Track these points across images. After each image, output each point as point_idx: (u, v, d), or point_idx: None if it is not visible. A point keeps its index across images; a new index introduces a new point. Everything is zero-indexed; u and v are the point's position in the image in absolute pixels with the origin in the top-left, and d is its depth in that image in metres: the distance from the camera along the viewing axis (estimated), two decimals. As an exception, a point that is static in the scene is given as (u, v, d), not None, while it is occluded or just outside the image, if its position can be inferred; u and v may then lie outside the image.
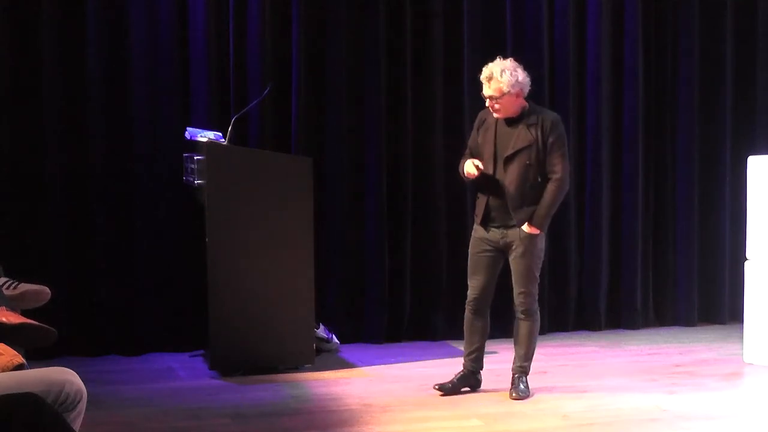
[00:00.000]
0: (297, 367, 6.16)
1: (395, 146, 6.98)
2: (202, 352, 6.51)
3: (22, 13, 6.39)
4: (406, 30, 6.97)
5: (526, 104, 5.48)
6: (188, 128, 6.29)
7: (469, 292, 5.62)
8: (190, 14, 6.64)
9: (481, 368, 5.72)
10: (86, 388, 3.49)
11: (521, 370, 5.59)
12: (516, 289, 5.51)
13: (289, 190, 6.04)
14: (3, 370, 3.44)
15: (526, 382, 5.59)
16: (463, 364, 5.71)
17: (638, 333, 7.35)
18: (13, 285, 4.37)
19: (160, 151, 6.62)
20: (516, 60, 5.51)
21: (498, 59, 5.48)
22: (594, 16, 7.30)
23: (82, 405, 3.46)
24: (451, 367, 5.83)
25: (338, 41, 6.86)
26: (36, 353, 4.59)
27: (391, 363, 6.42)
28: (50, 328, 3.71)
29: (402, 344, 6.97)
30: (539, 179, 5.42)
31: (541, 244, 5.50)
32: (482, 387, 5.72)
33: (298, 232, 6.05)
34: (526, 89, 5.46)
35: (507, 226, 5.45)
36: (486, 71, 5.43)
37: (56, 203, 6.47)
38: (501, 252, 5.52)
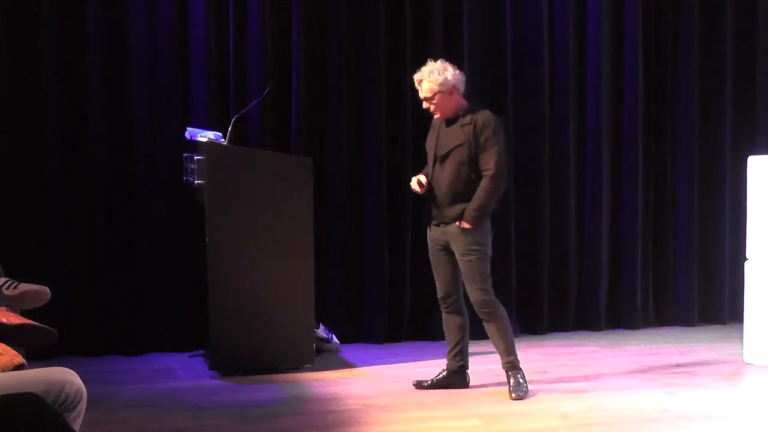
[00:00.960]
0: (297, 367, 6.15)
1: (395, 146, 6.98)
2: (202, 352, 6.51)
3: (22, 13, 6.39)
4: (406, 30, 6.97)
5: (465, 104, 5.52)
6: (188, 128, 6.29)
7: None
8: (190, 14, 6.64)
9: (467, 367, 5.73)
10: (86, 388, 3.49)
11: (510, 364, 5.58)
12: (466, 287, 5.54)
13: (289, 190, 6.04)
14: (3, 370, 3.44)
15: (522, 374, 5.58)
16: (446, 363, 5.74)
17: (638, 333, 7.35)
18: (13, 285, 4.37)
19: (160, 151, 6.62)
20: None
21: (429, 62, 5.53)
22: (594, 16, 7.29)
23: (82, 405, 3.46)
24: (451, 367, 5.82)
25: (338, 41, 6.86)
26: (36, 353, 4.59)
27: (391, 363, 6.42)
28: (50, 328, 3.71)
29: (402, 344, 6.97)
30: (473, 177, 5.44)
31: (483, 239, 5.47)
32: (482, 387, 5.72)
33: (298, 232, 6.05)
34: (461, 87, 5.50)
35: (445, 224, 5.50)
36: (417, 75, 5.51)
37: (56, 203, 6.47)
38: (449, 249, 5.54)
